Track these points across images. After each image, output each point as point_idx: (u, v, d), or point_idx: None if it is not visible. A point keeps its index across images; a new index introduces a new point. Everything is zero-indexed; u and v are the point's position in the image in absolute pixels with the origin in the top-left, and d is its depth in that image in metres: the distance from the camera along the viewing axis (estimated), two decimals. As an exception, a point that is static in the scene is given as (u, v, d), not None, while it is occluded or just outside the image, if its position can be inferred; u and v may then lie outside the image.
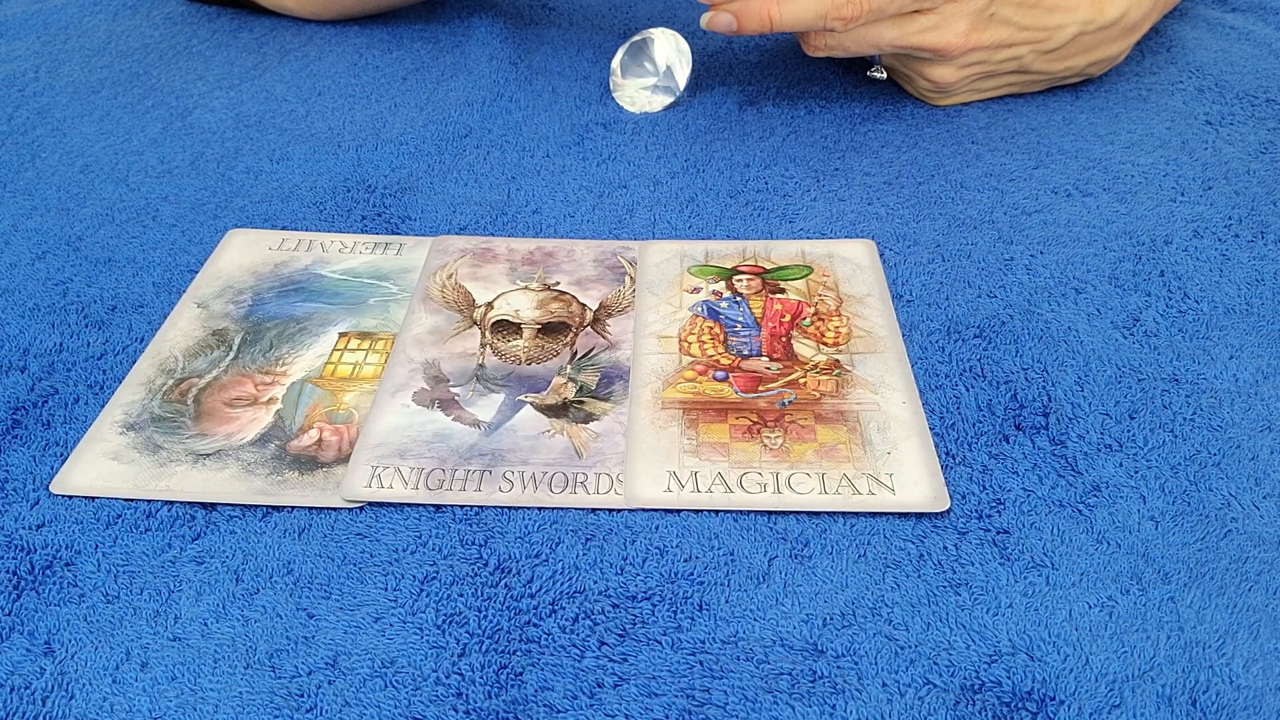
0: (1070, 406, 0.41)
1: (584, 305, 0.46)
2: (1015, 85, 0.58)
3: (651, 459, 0.38)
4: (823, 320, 0.45)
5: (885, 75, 0.58)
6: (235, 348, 0.44)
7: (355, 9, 0.71)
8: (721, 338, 0.44)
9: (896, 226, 0.51)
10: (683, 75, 0.61)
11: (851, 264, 0.48)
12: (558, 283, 0.47)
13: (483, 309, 0.46)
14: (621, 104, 0.61)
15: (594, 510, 0.37)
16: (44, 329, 0.45)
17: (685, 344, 0.44)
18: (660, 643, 0.33)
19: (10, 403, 0.42)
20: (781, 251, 0.49)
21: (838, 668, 0.32)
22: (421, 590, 0.34)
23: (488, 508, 0.37)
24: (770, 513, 0.37)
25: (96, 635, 0.33)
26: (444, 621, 0.33)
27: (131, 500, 0.37)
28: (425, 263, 0.49)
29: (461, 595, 0.34)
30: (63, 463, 0.39)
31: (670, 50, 0.60)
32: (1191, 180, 0.53)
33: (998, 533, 0.36)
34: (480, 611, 0.33)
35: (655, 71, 0.61)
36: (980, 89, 0.57)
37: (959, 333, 0.44)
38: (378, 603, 0.34)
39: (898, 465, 0.38)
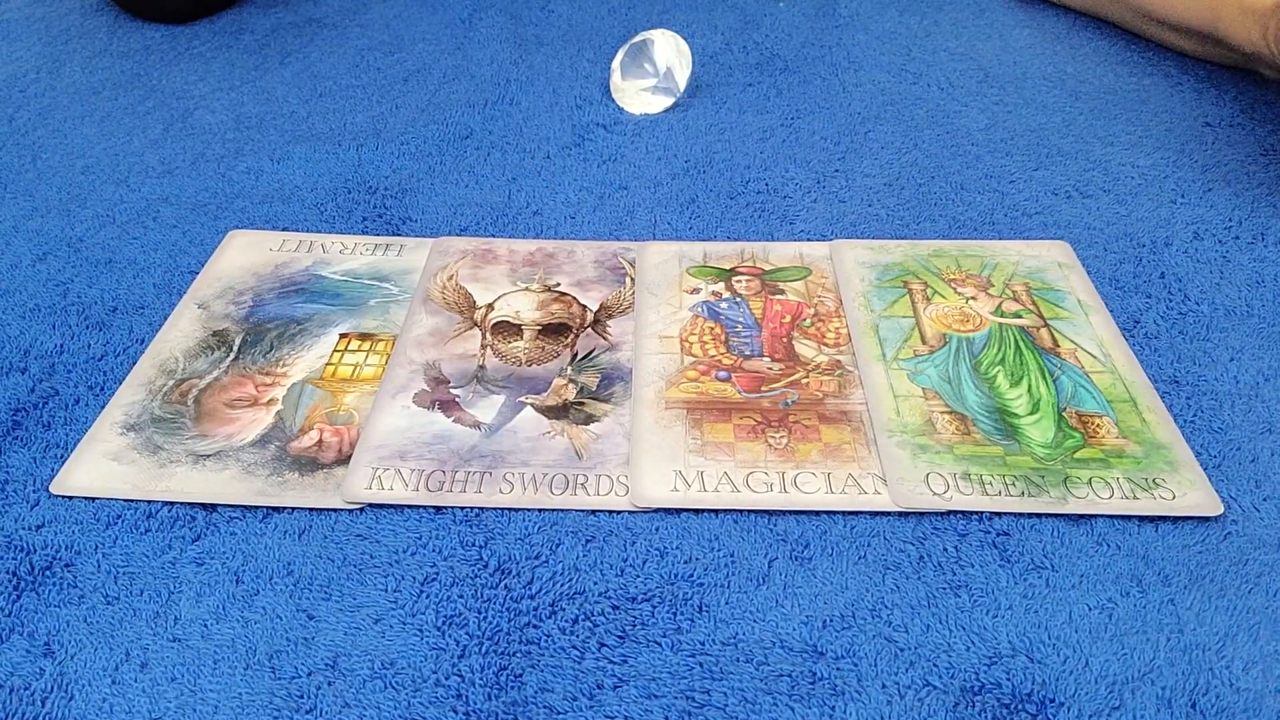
0: (1070, 408, 0.41)
1: (584, 306, 0.46)
2: None
3: (658, 458, 0.38)
4: (823, 321, 0.45)
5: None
6: (236, 348, 0.44)
7: None
8: (723, 338, 0.44)
9: (897, 228, 0.51)
10: (683, 77, 0.61)
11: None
12: (558, 284, 0.47)
13: (483, 310, 0.46)
14: (622, 105, 0.61)
15: (594, 512, 0.37)
16: (44, 330, 0.45)
17: (687, 344, 0.44)
18: (660, 644, 0.33)
19: (10, 403, 0.42)
20: (779, 253, 0.49)
21: (837, 669, 0.32)
22: (421, 592, 0.34)
23: (488, 509, 0.37)
24: (771, 514, 0.37)
25: (96, 636, 0.33)
26: (444, 623, 0.33)
27: (131, 501, 0.37)
28: (426, 264, 0.49)
29: (461, 597, 0.34)
30: (63, 463, 0.39)
31: (670, 52, 0.60)
32: (1191, 182, 0.53)
33: (997, 535, 0.36)
34: (480, 613, 0.33)
35: (655, 73, 0.61)
36: None
37: (959, 334, 0.44)
38: (378, 604, 0.34)
39: (898, 467, 0.38)
